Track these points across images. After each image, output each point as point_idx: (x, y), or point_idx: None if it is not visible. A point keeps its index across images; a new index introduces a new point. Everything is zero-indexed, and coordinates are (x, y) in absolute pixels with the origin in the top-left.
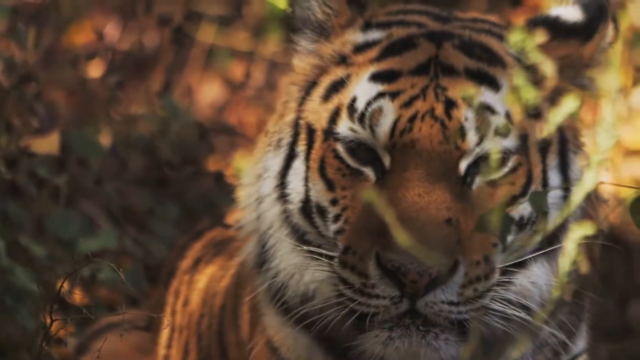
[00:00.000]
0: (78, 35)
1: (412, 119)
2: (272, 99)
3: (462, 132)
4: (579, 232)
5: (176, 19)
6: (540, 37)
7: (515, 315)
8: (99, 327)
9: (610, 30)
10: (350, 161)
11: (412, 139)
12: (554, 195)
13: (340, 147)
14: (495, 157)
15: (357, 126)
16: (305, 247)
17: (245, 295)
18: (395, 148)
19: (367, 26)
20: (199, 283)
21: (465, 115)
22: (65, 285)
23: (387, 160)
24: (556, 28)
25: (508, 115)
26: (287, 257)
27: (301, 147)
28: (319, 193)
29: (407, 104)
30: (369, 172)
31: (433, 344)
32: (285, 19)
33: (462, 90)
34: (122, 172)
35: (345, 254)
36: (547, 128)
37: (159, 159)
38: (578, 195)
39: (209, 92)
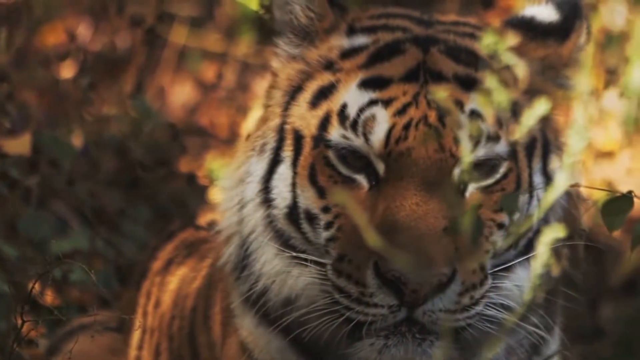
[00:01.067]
0: (50, 36)
1: (406, 127)
2: (244, 101)
3: (456, 139)
4: (550, 235)
5: (148, 20)
6: (514, 38)
7: (505, 319)
8: (70, 328)
9: (585, 28)
10: (342, 169)
11: (408, 147)
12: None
13: (331, 155)
14: (489, 163)
15: (349, 133)
16: (293, 254)
17: (217, 297)
18: (390, 156)
19: (352, 31)
20: (171, 284)
21: (459, 122)
22: (37, 286)
23: (381, 168)
24: (533, 29)
25: (499, 121)
26: (270, 261)
27: (287, 153)
28: (309, 200)
29: (401, 112)
30: (361, 179)
31: (428, 352)
32: (257, 20)
33: (452, 96)
34: (94, 173)
35: (340, 262)
36: (520, 130)
37: (131, 160)
38: (550, 197)
39: (181, 93)
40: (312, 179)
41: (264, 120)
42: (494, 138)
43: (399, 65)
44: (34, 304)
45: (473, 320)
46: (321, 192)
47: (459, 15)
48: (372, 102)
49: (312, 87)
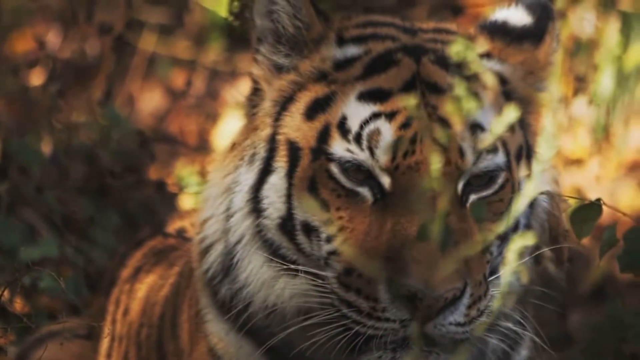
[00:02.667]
0: (19, 43)
1: (413, 141)
2: (214, 108)
3: (461, 152)
4: (519, 243)
5: (117, 27)
6: (488, 44)
7: (502, 326)
8: (39, 336)
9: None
10: (345, 182)
11: (416, 161)
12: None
13: (334, 168)
14: (489, 175)
15: (353, 147)
16: (284, 264)
17: (185, 305)
18: (398, 170)
19: (341, 41)
20: (139, 292)
21: (461, 134)
22: (6, 293)
23: (386, 182)
24: (508, 33)
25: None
26: (256, 270)
27: (280, 164)
28: (308, 212)
29: (405, 125)
30: (365, 192)
31: None
32: (226, 27)
33: (451, 108)
34: (63, 181)
35: (348, 276)
36: (488, 139)
37: (100, 167)
38: (521, 204)
39: (150, 101)
40: (313, 192)
41: (252, 129)
42: (493, 150)
43: (396, 76)
44: (3, 311)
45: (479, 331)
46: (324, 205)
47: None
48: (375, 116)
49: (305, 99)
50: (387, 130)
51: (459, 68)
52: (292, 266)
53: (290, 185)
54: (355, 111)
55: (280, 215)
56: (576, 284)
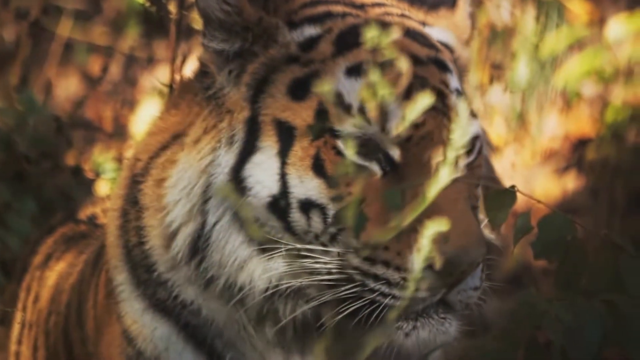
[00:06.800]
0: None
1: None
2: (131, 94)
3: (457, 120)
4: (432, 229)
5: (34, 12)
6: (395, 33)
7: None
8: None
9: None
10: (354, 157)
11: (428, 131)
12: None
13: (341, 144)
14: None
15: (360, 122)
16: (301, 246)
17: (91, 292)
18: (410, 141)
19: (293, 24)
20: (49, 280)
21: (455, 102)
22: None
23: (395, 154)
24: (423, 1)
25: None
26: (234, 250)
27: (267, 143)
28: (313, 190)
29: (408, 96)
30: (373, 166)
31: (450, 332)
32: (144, 13)
33: (437, 78)
34: None
35: (372, 250)
36: (402, 125)
37: (16, 153)
38: (432, 190)
39: (67, 87)
40: (319, 170)
41: (227, 112)
42: (474, 115)
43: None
44: None
45: (484, 295)
46: (332, 182)
47: None
48: (374, 90)
49: (282, 80)
50: (392, 103)
51: (427, 39)
52: (298, 245)
53: (283, 164)
54: (350, 87)
55: (270, 194)
56: (491, 271)
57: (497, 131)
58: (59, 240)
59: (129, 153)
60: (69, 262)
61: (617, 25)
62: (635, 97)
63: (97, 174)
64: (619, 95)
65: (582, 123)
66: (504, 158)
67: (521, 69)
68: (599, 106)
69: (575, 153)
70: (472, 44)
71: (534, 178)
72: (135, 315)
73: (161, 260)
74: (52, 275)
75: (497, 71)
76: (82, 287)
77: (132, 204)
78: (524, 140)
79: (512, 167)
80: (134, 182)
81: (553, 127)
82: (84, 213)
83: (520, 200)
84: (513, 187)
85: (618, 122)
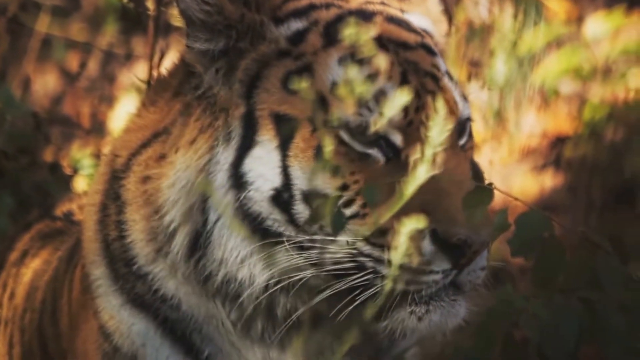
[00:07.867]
0: None
1: (418, 95)
2: (109, 90)
3: (454, 101)
4: (410, 226)
5: (12, 8)
6: (375, 29)
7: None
8: None
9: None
10: (357, 145)
11: (427, 115)
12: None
13: (344, 133)
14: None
15: (362, 110)
16: (305, 237)
17: (65, 289)
18: (411, 126)
19: (279, 20)
20: (25, 276)
21: (448, 84)
22: None
23: (397, 139)
24: None
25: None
26: (236, 247)
27: (266, 137)
28: (318, 181)
29: (405, 81)
30: (375, 154)
31: (460, 314)
32: (122, 10)
33: (428, 62)
34: None
35: (382, 237)
36: (380, 121)
37: None
38: (409, 188)
39: (45, 83)
40: (322, 160)
41: (221, 109)
42: (466, 97)
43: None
44: None
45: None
46: (336, 171)
47: None
48: (371, 77)
49: (276, 74)
50: (391, 89)
51: (408, 24)
52: (302, 237)
53: (285, 157)
54: (345, 76)
55: (273, 187)
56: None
57: (475, 128)
58: (35, 236)
59: (106, 149)
60: (45, 258)
61: (595, 24)
62: (613, 95)
63: (75, 170)
64: (597, 93)
65: (560, 121)
66: (482, 155)
67: (499, 67)
68: (577, 104)
69: (553, 151)
70: (450, 41)
71: (512, 175)
72: (113, 310)
73: (142, 253)
74: (27, 272)
75: (475, 68)
76: (56, 284)
77: (112, 199)
78: (502, 138)
79: (489, 164)
80: (115, 178)
81: (531, 125)
82: (60, 209)
83: (498, 198)
84: (491, 184)
85: (596, 120)
